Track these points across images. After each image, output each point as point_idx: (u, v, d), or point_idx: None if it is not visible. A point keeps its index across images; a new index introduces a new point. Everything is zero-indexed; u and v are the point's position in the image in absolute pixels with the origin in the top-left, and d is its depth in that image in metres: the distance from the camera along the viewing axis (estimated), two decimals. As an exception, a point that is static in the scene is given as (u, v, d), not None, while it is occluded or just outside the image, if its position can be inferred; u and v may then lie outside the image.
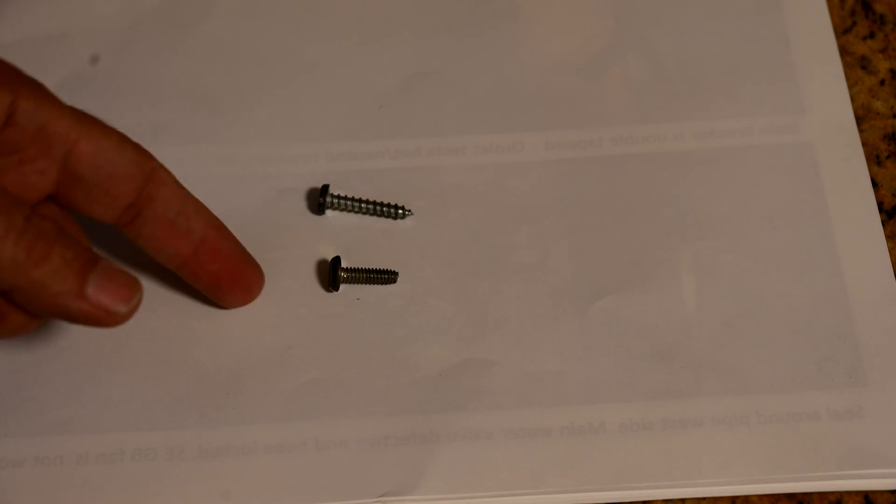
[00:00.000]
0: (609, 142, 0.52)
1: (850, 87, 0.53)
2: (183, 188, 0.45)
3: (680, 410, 0.46)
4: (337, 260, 0.49)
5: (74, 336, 0.48)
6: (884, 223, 0.50)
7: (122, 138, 0.43)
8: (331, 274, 0.49)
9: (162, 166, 0.44)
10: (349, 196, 0.50)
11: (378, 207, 0.50)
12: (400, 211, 0.50)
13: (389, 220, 0.50)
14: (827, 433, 0.45)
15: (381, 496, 0.45)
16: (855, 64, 0.53)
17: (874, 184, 0.51)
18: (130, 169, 0.43)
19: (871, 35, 0.54)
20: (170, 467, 0.45)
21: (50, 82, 0.53)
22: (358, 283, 0.49)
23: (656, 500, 0.45)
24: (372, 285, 0.49)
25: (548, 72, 0.53)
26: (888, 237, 0.49)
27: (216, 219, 0.46)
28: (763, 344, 0.47)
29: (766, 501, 0.45)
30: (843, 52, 0.54)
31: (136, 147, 0.44)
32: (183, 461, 0.45)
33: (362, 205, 0.50)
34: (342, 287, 0.49)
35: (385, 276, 0.49)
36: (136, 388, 0.47)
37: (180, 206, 0.45)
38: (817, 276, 0.48)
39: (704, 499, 0.45)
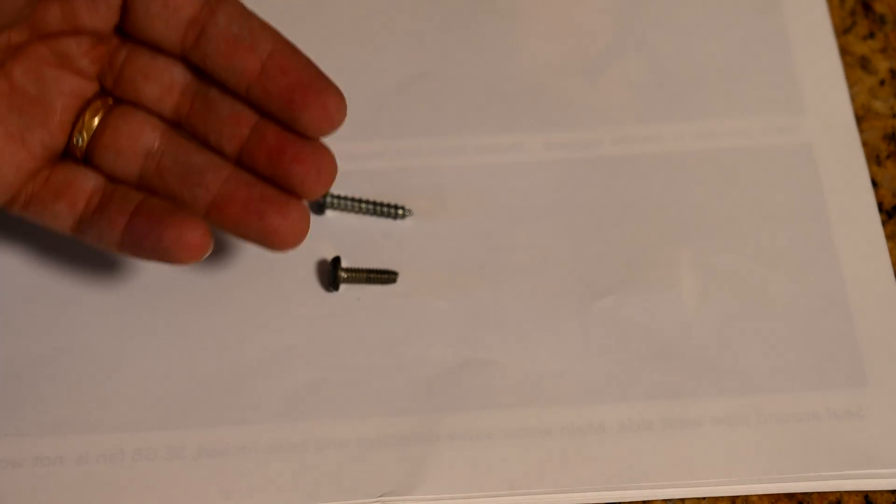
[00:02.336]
0: (609, 142, 0.52)
1: (850, 87, 0.53)
2: (244, 5, 0.44)
3: (680, 410, 0.46)
4: (337, 260, 0.49)
5: (74, 336, 0.48)
6: (884, 223, 0.50)
7: None
8: (331, 274, 0.49)
9: None
10: (349, 196, 0.50)
11: (378, 207, 0.50)
12: (400, 211, 0.50)
13: (389, 220, 0.50)
14: (827, 433, 0.45)
15: (381, 496, 0.45)
16: (855, 64, 0.53)
17: (874, 184, 0.51)
18: None
19: (871, 35, 0.54)
20: (170, 467, 0.45)
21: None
22: (358, 283, 0.49)
23: (656, 500, 0.45)
24: (372, 285, 0.49)
25: (548, 72, 0.53)
26: (888, 237, 0.49)
27: (282, 36, 0.44)
28: (763, 344, 0.47)
29: (766, 501, 0.45)
30: (843, 52, 0.54)
31: None
32: (183, 461, 0.45)
33: (362, 205, 0.50)
34: (342, 287, 0.49)
35: (385, 276, 0.49)
36: (136, 388, 0.47)
37: (244, 20, 0.43)
38: (817, 276, 0.48)
39: (704, 499, 0.45)
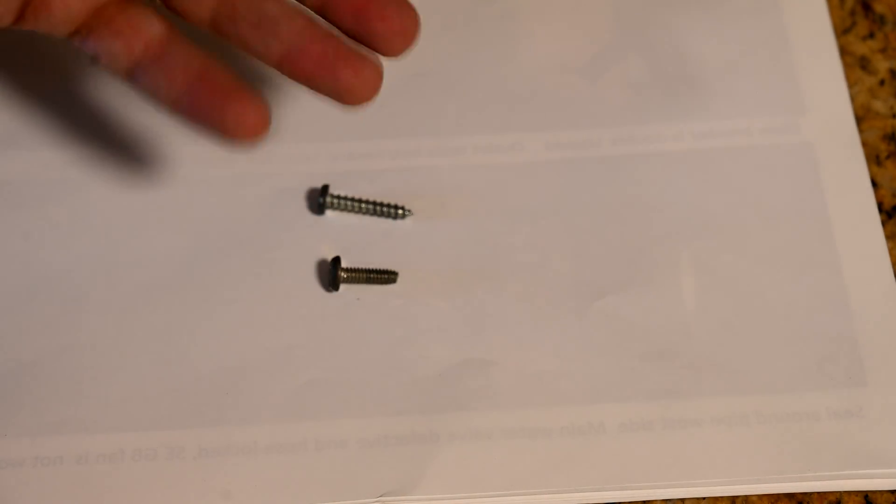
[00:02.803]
0: (609, 142, 0.52)
1: (850, 87, 0.53)
2: None
3: (679, 410, 0.46)
4: (337, 260, 0.49)
5: (74, 336, 0.48)
6: (884, 223, 0.50)
7: None
8: (331, 274, 0.49)
9: None
10: (349, 196, 0.50)
11: (378, 207, 0.50)
12: (400, 211, 0.50)
13: (389, 220, 0.50)
14: (827, 433, 0.45)
15: (381, 496, 0.45)
16: (855, 64, 0.53)
17: (874, 184, 0.51)
18: None
19: (871, 35, 0.54)
20: (170, 467, 0.45)
21: (50, 82, 0.53)
22: (358, 283, 0.49)
23: (656, 500, 0.45)
24: (372, 285, 0.49)
25: (548, 72, 0.53)
26: (888, 237, 0.49)
27: None
28: (763, 344, 0.47)
29: (766, 501, 0.45)
30: (843, 52, 0.54)
31: None
32: (183, 461, 0.45)
33: (362, 205, 0.50)
34: (342, 287, 0.49)
35: (385, 276, 0.49)
36: (136, 388, 0.47)
37: None
38: (817, 276, 0.48)
39: (704, 499, 0.45)
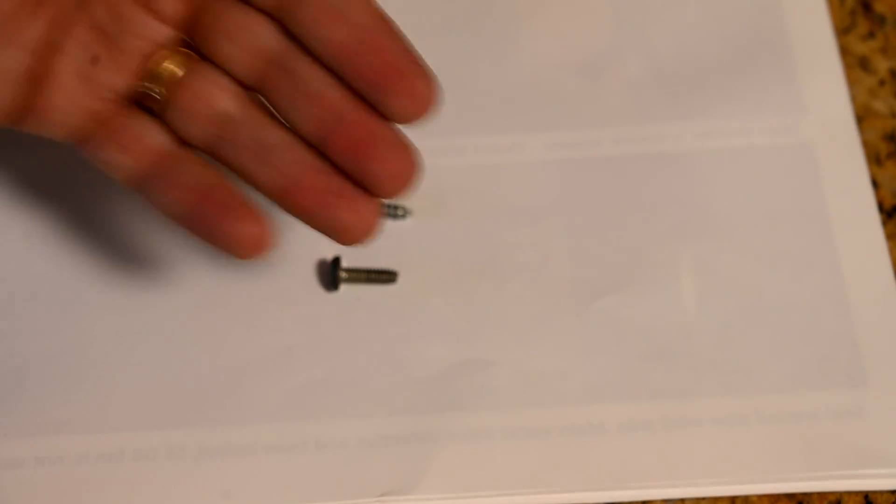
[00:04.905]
0: (609, 142, 0.52)
1: (850, 87, 0.53)
2: None
3: (679, 410, 0.46)
4: (337, 260, 0.49)
5: (75, 336, 0.48)
6: (884, 223, 0.50)
7: None
8: (331, 274, 0.49)
9: None
10: (349, 196, 0.50)
11: (378, 207, 0.50)
12: (400, 211, 0.50)
13: (389, 220, 0.50)
14: (827, 433, 0.45)
15: (381, 496, 0.45)
16: (855, 64, 0.53)
17: (874, 184, 0.51)
18: None
19: (871, 35, 0.54)
20: (170, 467, 0.45)
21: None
22: (358, 283, 0.49)
23: (656, 500, 0.45)
24: (372, 285, 0.49)
25: (548, 72, 0.53)
26: (888, 237, 0.49)
27: (380, 9, 0.41)
28: (763, 344, 0.47)
29: (766, 501, 0.45)
30: (843, 52, 0.54)
31: None
32: (183, 461, 0.45)
33: (362, 205, 0.50)
34: (342, 287, 0.49)
35: (385, 276, 0.49)
36: (136, 388, 0.47)
37: None
38: (817, 276, 0.48)
39: (704, 499, 0.45)
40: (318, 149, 0.41)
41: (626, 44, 0.54)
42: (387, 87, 0.40)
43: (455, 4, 0.55)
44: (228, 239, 0.41)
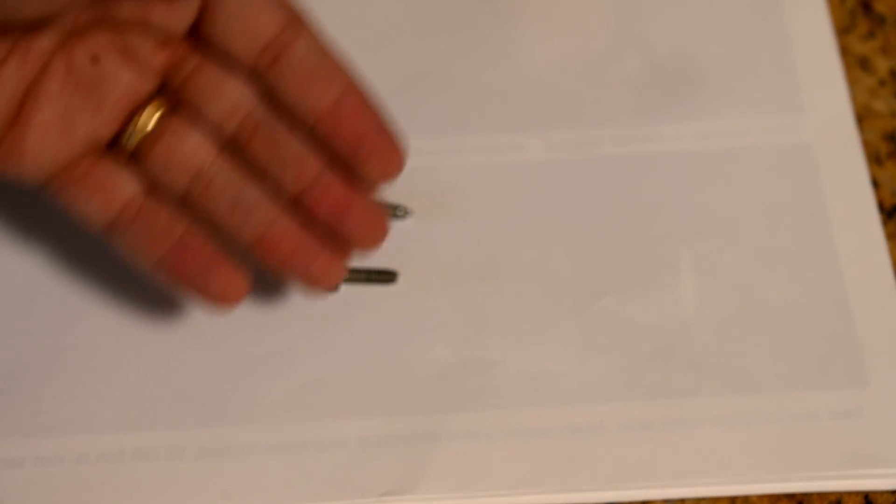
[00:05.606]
0: (609, 142, 0.52)
1: (850, 87, 0.53)
2: (322, 37, 0.42)
3: (679, 410, 0.46)
4: (337, 260, 0.49)
5: (74, 336, 0.48)
6: (884, 223, 0.50)
7: None
8: (331, 274, 0.49)
9: (304, 14, 0.42)
10: (349, 196, 0.50)
11: (378, 207, 0.50)
12: (400, 211, 0.50)
13: (389, 220, 0.50)
14: (827, 433, 0.45)
15: (381, 496, 0.45)
16: (855, 64, 0.53)
17: (874, 184, 0.51)
18: (272, 3, 0.41)
19: (871, 35, 0.54)
20: (170, 467, 0.45)
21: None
22: (358, 283, 0.49)
23: (656, 500, 0.45)
24: (372, 285, 0.49)
25: (548, 72, 0.53)
26: (888, 237, 0.49)
27: (354, 76, 0.43)
28: (763, 344, 0.47)
29: (766, 501, 0.45)
30: (843, 52, 0.54)
31: None
32: (183, 461, 0.45)
33: (362, 205, 0.50)
34: (342, 287, 0.49)
35: (385, 276, 0.49)
36: (136, 388, 0.47)
37: (321, 54, 0.42)
38: (817, 276, 0.48)
39: (704, 499, 0.45)
40: (298, 205, 0.43)
41: (626, 44, 0.54)
42: (362, 154, 0.43)
43: (455, 4, 0.55)
44: (205, 290, 0.43)
